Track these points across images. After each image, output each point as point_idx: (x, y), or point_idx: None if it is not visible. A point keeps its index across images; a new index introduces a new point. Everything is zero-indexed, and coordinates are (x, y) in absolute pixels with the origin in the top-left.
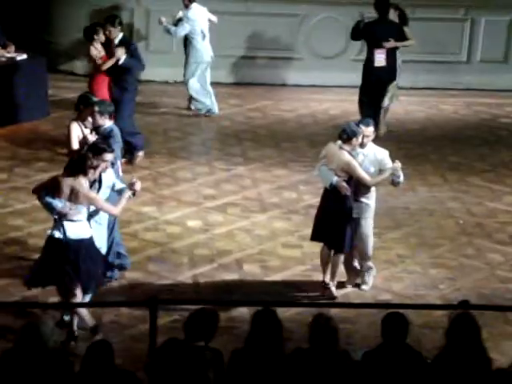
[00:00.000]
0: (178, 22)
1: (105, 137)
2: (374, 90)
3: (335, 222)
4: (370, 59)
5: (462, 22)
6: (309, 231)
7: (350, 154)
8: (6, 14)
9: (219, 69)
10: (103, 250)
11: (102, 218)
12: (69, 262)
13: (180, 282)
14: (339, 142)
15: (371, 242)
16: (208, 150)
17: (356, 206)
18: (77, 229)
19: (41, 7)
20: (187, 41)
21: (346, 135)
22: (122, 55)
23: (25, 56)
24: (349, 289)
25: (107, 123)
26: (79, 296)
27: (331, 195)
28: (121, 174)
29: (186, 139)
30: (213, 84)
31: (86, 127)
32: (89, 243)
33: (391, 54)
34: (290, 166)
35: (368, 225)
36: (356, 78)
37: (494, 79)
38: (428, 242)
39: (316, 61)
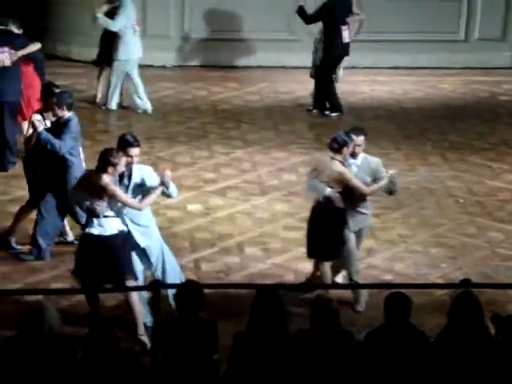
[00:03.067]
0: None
1: (60, 126)
2: (335, 67)
3: (329, 234)
4: (334, 37)
5: (459, 1)
6: (309, 213)
7: (342, 163)
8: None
9: (217, 51)
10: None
11: (142, 219)
12: (108, 258)
13: (181, 266)
14: (330, 152)
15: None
16: (207, 133)
17: (354, 218)
18: (108, 224)
19: None
20: (115, 36)
21: (337, 145)
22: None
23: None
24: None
25: (66, 114)
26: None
27: (324, 208)
28: (83, 164)
29: (185, 123)
30: (210, 67)
31: (47, 118)
32: (121, 238)
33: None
34: (289, 149)
35: (364, 235)
36: (353, 59)
37: (492, 57)
38: (429, 221)
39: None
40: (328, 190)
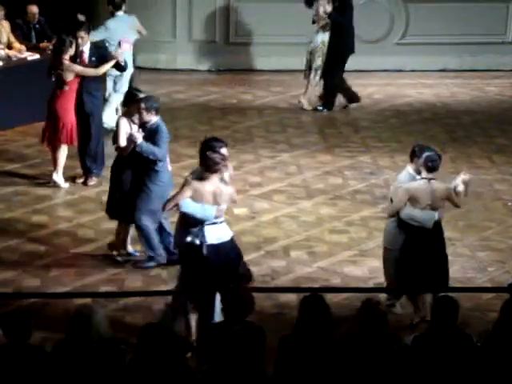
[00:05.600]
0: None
1: (151, 133)
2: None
3: (443, 261)
4: (351, 34)
5: (506, 2)
6: (355, 216)
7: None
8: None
9: (261, 55)
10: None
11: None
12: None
13: None
14: (423, 173)
15: None
16: (252, 137)
17: None
18: (224, 228)
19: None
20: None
21: (436, 163)
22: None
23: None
24: None
25: (153, 119)
26: None
27: (434, 234)
28: (169, 168)
29: (231, 127)
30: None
31: (133, 123)
32: (231, 244)
33: None
34: (334, 152)
35: None
36: (399, 61)
37: None
38: (476, 224)
39: (359, 45)
40: (437, 214)
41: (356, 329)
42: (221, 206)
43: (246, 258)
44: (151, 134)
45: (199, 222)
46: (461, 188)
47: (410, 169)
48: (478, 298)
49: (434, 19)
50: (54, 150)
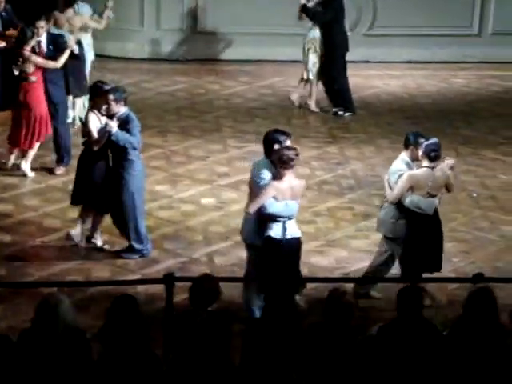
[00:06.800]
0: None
1: (122, 123)
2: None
3: (440, 244)
4: (342, 32)
5: None
6: (322, 207)
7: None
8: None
9: (229, 44)
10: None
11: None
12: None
13: (195, 260)
14: (425, 162)
15: None
16: (220, 127)
17: None
18: (295, 226)
19: None
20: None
21: (438, 152)
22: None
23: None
24: (364, 264)
25: (122, 110)
26: None
27: (435, 219)
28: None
29: (198, 117)
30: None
31: (102, 115)
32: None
33: None
34: (301, 142)
35: None
36: (366, 53)
37: (506, 51)
38: (442, 215)
39: None
40: (436, 200)
41: (323, 319)
42: (298, 200)
43: (214, 248)
44: (122, 124)
45: (280, 218)
46: (449, 173)
47: (405, 156)
48: (444, 289)
49: (401, 11)
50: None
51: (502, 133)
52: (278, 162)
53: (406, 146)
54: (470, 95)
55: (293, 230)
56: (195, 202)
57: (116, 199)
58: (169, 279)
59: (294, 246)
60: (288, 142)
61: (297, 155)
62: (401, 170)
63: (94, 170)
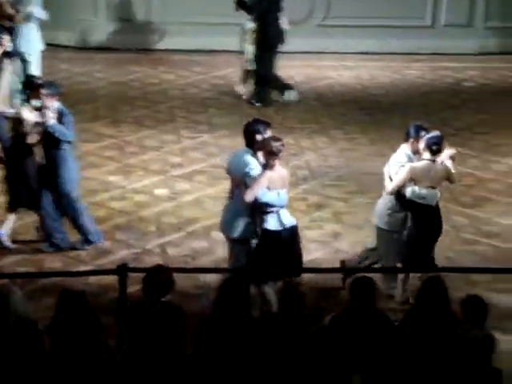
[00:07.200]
0: None
1: (57, 117)
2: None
3: (435, 237)
4: (277, 24)
5: None
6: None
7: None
8: None
9: (181, 34)
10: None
11: None
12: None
13: (148, 251)
14: (426, 155)
15: None
16: (174, 117)
17: None
18: (289, 215)
19: None
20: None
21: (439, 145)
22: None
23: None
24: (317, 254)
25: (55, 104)
26: None
27: (435, 211)
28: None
29: (152, 107)
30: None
31: (36, 109)
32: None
33: None
34: None
35: None
36: (320, 44)
37: (458, 43)
38: None
39: None
40: (438, 193)
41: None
42: (287, 189)
43: (167, 238)
44: (57, 118)
45: (272, 208)
46: (449, 163)
47: (406, 149)
48: (396, 278)
49: (355, 2)
50: None
51: (454, 124)
52: (267, 154)
53: (407, 139)
54: (424, 86)
55: (289, 219)
56: (148, 192)
57: (53, 194)
58: (122, 270)
59: (294, 233)
60: (269, 132)
61: (283, 145)
62: (401, 162)
63: (25, 167)
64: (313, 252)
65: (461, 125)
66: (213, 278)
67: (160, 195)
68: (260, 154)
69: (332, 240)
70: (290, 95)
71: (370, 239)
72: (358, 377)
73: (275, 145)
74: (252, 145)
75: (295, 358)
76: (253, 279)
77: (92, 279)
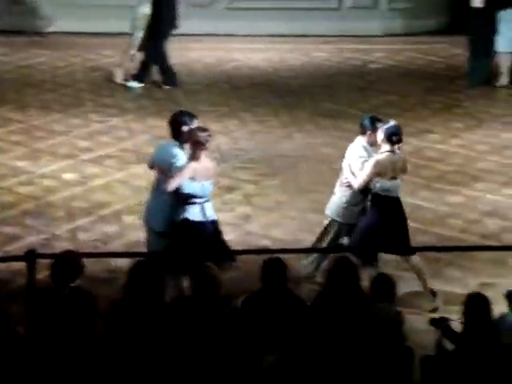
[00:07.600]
0: None
1: None
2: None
3: (405, 226)
4: (171, 8)
5: None
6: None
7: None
8: None
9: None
10: None
11: None
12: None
13: (58, 236)
14: (386, 147)
15: None
16: (82, 101)
17: None
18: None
19: None
20: None
21: (401, 138)
22: None
23: None
24: (229, 236)
25: None
26: None
27: (399, 202)
28: None
29: (59, 90)
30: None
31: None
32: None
33: None
34: (165, 116)
35: None
36: (229, 26)
37: (364, 25)
38: (305, 187)
39: (189, 9)
40: (400, 183)
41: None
42: (212, 181)
43: (77, 223)
44: None
45: (196, 199)
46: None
47: (363, 141)
48: (297, 260)
49: None
50: None
51: (361, 106)
52: (194, 144)
53: (363, 132)
54: (331, 69)
55: (212, 214)
56: (57, 177)
57: None
58: (30, 256)
59: (216, 227)
60: (195, 123)
61: (210, 136)
62: (362, 157)
63: None
64: (224, 234)
65: (367, 106)
66: (124, 263)
67: (69, 180)
68: (187, 146)
69: (243, 222)
70: (135, 85)
71: (281, 221)
72: (269, 358)
73: (202, 135)
74: (178, 136)
75: (207, 339)
76: (169, 269)
77: (0, 266)
